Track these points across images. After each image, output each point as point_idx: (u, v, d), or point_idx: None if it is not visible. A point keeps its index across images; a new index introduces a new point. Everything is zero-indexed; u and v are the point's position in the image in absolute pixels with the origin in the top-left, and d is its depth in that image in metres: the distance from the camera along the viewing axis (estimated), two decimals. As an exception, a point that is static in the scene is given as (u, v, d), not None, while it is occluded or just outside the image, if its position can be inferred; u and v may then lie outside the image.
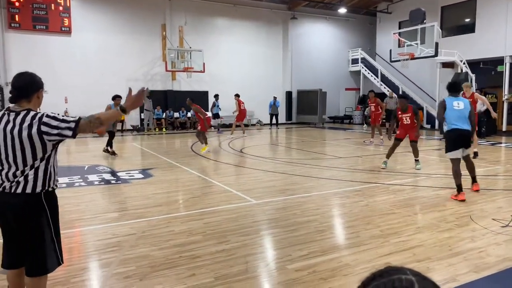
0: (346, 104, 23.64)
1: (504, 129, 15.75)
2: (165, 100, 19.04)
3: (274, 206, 5.34)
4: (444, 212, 4.96)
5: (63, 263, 2.51)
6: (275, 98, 20.20)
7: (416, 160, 8.23)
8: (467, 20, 17.27)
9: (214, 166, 9.05)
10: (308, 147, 11.97)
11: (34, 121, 2.25)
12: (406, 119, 8.19)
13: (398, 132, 8.47)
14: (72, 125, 2.26)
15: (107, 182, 6.98)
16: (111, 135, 10.32)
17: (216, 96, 17.58)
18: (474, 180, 5.97)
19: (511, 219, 4.60)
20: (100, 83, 17.52)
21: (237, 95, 16.20)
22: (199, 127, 11.06)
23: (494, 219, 4.63)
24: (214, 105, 17.66)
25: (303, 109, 22.48)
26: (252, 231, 4.30)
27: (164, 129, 18.14)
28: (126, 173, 7.72)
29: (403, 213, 4.91)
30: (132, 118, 18.33)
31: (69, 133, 2.27)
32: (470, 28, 16.95)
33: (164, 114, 18.67)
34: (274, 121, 20.11)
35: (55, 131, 2.26)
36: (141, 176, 7.52)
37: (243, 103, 16.05)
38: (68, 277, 3.17)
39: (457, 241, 3.93)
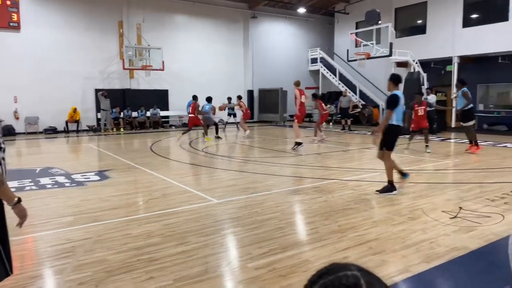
0: (306, 103, 24.00)
1: (453, 125, 16.64)
2: (123, 99, 18.51)
3: (235, 205, 5.33)
4: (398, 206, 5.17)
5: (12, 273, 2.36)
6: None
7: (427, 146, 9.92)
8: (419, 21, 18.09)
9: (175, 166, 8.91)
10: (269, 145, 12.07)
11: None
12: (420, 111, 10.16)
13: (412, 125, 10.41)
14: None
15: (61, 185, 6.68)
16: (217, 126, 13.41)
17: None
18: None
19: (459, 211, 4.86)
20: (53, 82, 16.78)
21: (239, 97, 15.91)
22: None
23: (444, 211, 4.88)
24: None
25: (265, 107, 22.63)
26: (213, 231, 4.28)
27: (122, 129, 17.62)
28: (82, 175, 7.43)
29: (360, 208, 5.07)
30: (89, 118, 17.69)
31: None
32: (421, 30, 17.76)
33: (122, 113, 18.14)
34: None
35: None
36: (97, 178, 7.26)
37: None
38: (17, 287, 3.00)
39: (409, 233, 4.11)
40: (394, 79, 5.91)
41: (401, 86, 5.84)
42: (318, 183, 6.65)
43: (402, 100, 5.77)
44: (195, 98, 13.87)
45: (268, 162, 8.83)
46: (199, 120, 13.78)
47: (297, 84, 11.10)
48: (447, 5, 16.50)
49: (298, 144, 10.78)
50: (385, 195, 5.72)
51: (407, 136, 10.45)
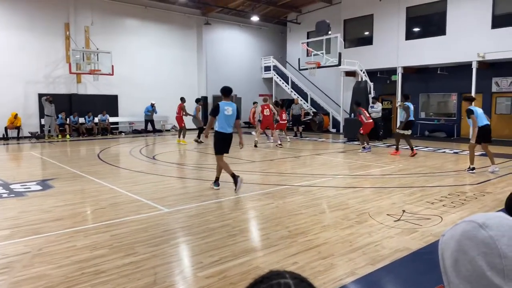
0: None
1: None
2: (69, 104, 17.67)
3: (187, 214, 5.25)
4: (346, 210, 5.34)
5: None
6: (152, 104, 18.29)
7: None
8: (366, 33, 18.95)
9: (124, 174, 8.62)
10: (222, 152, 12.03)
11: None
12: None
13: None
14: None
15: (-2, 196, 6.23)
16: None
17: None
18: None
19: (402, 214, 5.12)
20: (-9, 85, 15.68)
21: (255, 103, 16.23)
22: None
23: (389, 214, 5.11)
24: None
25: (218, 114, 22.54)
26: (163, 240, 4.17)
27: (68, 136, 16.79)
28: (21, 185, 6.97)
29: (310, 213, 5.18)
30: (32, 124, 16.69)
31: None
32: (368, 41, 18.62)
33: (68, 119, 17.29)
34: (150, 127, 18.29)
35: None
36: (39, 188, 6.85)
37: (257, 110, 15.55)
38: None
39: (356, 237, 4.26)
40: (224, 92, 6.53)
41: (231, 97, 6.63)
42: (270, 189, 6.72)
43: (222, 108, 6.36)
44: (182, 100, 14.64)
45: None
46: (183, 121, 14.41)
47: (265, 100, 13.62)
48: (391, 18, 17.45)
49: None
50: (212, 187, 6.63)
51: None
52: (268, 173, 8.38)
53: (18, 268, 3.46)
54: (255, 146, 13.07)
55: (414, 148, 10.90)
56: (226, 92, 6.46)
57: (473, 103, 8.28)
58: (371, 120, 11.94)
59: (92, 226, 4.69)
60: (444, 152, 12.02)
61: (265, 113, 13.60)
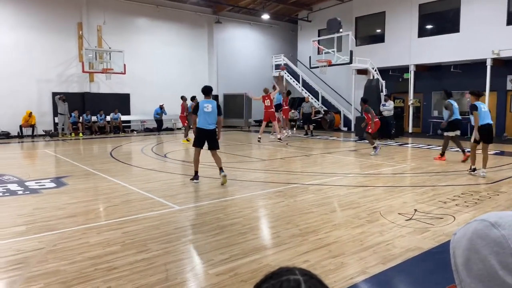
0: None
1: (410, 130, 17.38)
2: (82, 103, 17.90)
3: (198, 211, 5.28)
4: (357, 209, 5.32)
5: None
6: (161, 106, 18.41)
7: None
8: (378, 30, 18.79)
9: (136, 172, 8.71)
10: (234, 150, 12.07)
11: None
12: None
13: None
14: None
15: (13, 193, 6.35)
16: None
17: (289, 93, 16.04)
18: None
19: (414, 213, 5.08)
20: (7, 84, 15.99)
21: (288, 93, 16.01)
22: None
23: (400, 213, 5.07)
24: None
25: (230, 112, 22.61)
26: (174, 238, 4.21)
27: (80, 134, 17.02)
28: (36, 183, 7.10)
29: (321, 212, 5.17)
30: (45, 122, 16.96)
31: None
32: (380, 38, 18.46)
33: (81, 118, 17.52)
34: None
35: None
36: (53, 185, 6.96)
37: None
38: (-39, 302, 2.83)
39: (367, 236, 4.24)
40: (204, 91, 7.13)
41: (211, 95, 7.21)
42: (281, 187, 6.72)
43: (202, 106, 6.94)
44: (183, 98, 14.77)
45: (232, 167, 8.82)
46: (186, 119, 14.58)
47: (265, 91, 13.54)
48: (403, 15, 17.26)
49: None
50: (191, 182, 7.03)
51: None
52: (279, 172, 8.38)
53: (33, 263, 3.53)
54: (279, 139, 13.39)
55: (466, 151, 9.23)
56: (206, 91, 7.07)
57: (479, 98, 7.74)
58: (378, 119, 11.21)
59: (105, 223, 4.75)
60: (457, 151, 11.86)
61: (266, 104, 13.50)
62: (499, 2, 14.34)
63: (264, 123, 14.22)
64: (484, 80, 14.75)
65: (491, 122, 7.62)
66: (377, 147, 10.75)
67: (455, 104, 9.46)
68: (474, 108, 7.46)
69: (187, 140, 14.04)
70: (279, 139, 13.24)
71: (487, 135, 7.53)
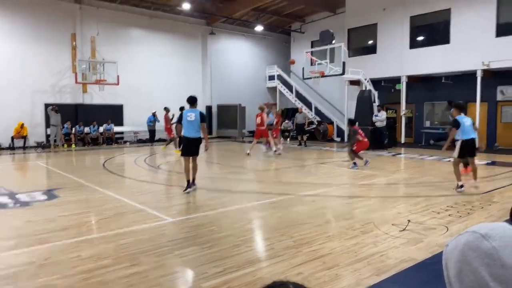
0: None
1: (403, 141, 17.49)
2: (75, 114, 17.82)
3: (191, 224, 5.24)
4: (351, 220, 5.31)
5: None
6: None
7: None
8: (370, 42, 19.02)
9: (128, 184, 8.65)
10: (228, 161, 12.06)
11: None
12: None
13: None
14: None
15: (3, 206, 6.26)
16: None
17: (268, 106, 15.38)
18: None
19: (407, 223, 5.08)
20: (0, 96, 15.87)
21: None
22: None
23: (394, 224, 5.07)
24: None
25: (223, 123, 22.67)
26: (167, 250, 4.17)
27: (73, 146, 16.90)
28: (27, 195, 7.01)
29: (315, 223, 5.16)
30: (38, 133, 16.83)
31: None
32: (372, 50, 18.68)
33: (74, 129, 17.42)
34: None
35: None
36: (44, 197, 6.88)
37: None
38: None
39: (361, 247, 4.23)
40: (188, 101, 7.45)
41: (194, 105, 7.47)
42: (274, 198, 6.70)
43: (185, 115, 7.22)
44: (166, 109, 14.65)
45: (226, 178, 8.81)
46: (172, 131, 14.36)
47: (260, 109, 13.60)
48: (395, 27, 17.51)
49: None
50: (184, 193, 7.06)
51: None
52: (273, 183, 8.37)
53: (23, 278, 3.46)
54: (276, 152, 13.19)
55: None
56: (191, 101, 7.40)
57: (462, 111, 7.24)
58: (367, 140, 10.61)
59: (97, 236, 4.70)
60: (449, 161, 11.94)
61: (257, 121, 13.45)
62: (488, 14, 14.63)
63: (255, 140, 14.03)
64: (474, 91, 14.94)
65: (475, 137, 7.20)
66: (357, 165, 10.21)
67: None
68: (456, 124, 7.02)
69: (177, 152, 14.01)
70: (275, 151, 13.20)
71: (471, 149, 7.17)
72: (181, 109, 14.24)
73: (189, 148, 7.21)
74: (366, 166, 10.27)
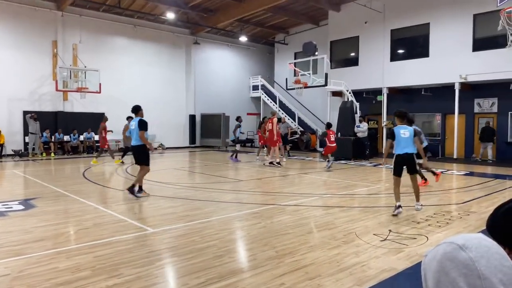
0: (248, 128, 24.42)
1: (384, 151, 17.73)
2: (55, 122, 17.47)
3: (173, 234, 5.17)
4: (333, 230, 5.34)
5: None
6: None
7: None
8: (352, 54, 19.37)
9: (109, 194, 8.49)
10: (210, 170, 11.98)
11: None
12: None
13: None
14: None
15: (-22, 216, 6.06)
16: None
17: (239, 119, 15.11)
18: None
19: (388, 233, 5.14)
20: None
21: (265, 117, 15.82)
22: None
23: (375, 234, 5.12)
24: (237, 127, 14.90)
25: (207, 132, 22.59)
26: (148, 262, 4.10)
27: (52, 154, 16.53)
28: (3, 205, 6.81)
29: (297, 233, 5.16)
30: (16, 141, 16.41)
31: None
32: (354, 62, 19.02)
33: (53, 137, 17.05)
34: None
35: None
36: (21, 207, 6.69)
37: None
38: None
39: (343, 257, 4.25)
40: (132, 110, 7.91)
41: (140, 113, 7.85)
42: (257, 208, 6.69)
43: (130, 125, 7.74)
44: (104, 119, 14.41)
45: (208, 188, 8.75)
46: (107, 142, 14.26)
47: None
48: (376, 40, 17.90)
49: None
50: (132, 196, 7.45)
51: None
52: (255, 192, 8.35)
53: (-3, 291, 3.35)
54: (279, 163, 13.13)
55: (436, 171, 9.53)
56: (133, 110, 7.83)
57: (404, 121, 6.37)
58: (334, 144, 12.30)
59: (75, 247, 4.58)
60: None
61: (267, 128, 13.71)
62: (465, 30, 15.11)
63: (260, 146, 14.38)
64: (453, 103, 15.35)
65: (412, 151, 6.25)
66: (330, 161, 12.18)
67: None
68: (391, 136, 6.33)
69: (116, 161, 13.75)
70: (278, 163, 13.13)
71: (409, 165, 6.31)
72: (128, 118, 13.75)
73: (133, 156, 7.84)
74: (326, 168, 11.86)
